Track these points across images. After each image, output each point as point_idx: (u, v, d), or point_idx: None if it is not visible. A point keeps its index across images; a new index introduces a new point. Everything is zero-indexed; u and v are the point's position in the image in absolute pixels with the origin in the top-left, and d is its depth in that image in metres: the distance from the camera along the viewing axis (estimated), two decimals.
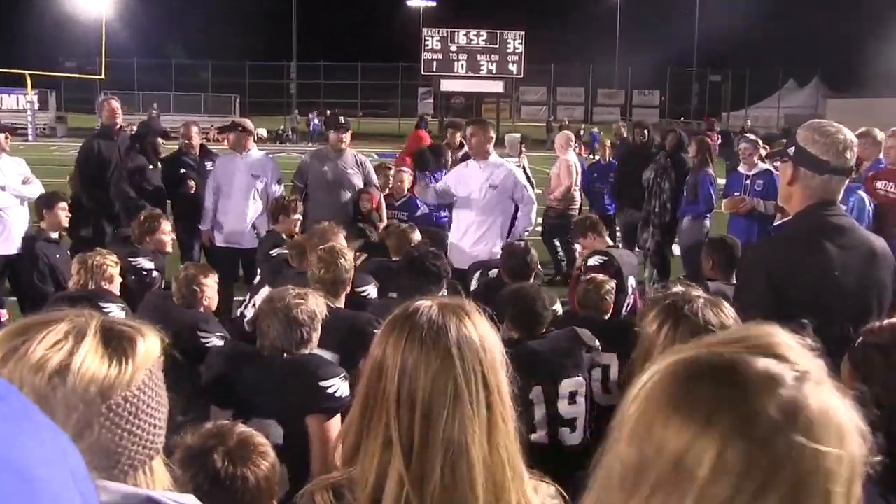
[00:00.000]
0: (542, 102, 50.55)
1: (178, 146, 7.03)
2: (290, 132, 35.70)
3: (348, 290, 3.53)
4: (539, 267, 4.37)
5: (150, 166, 6.57)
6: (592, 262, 4.69)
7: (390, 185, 6.77)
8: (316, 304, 2.68)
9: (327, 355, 3.03)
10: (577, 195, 8.60)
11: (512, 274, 4.26)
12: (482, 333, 1.29)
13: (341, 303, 3.48)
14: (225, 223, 6.23)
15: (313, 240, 4.15)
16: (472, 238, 5.41)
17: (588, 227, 5.01)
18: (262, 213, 6.16)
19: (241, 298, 4.66)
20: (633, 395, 0.79)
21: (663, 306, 1.77)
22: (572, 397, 2.96)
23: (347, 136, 6.27)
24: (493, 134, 5.52)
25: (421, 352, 1.25)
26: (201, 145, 7.03)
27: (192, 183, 6.58)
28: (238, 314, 4.26)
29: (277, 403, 2.49)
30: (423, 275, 3.38)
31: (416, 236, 4.75)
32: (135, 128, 8.20)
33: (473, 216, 5.40)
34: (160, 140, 6.66)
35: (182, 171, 6.73)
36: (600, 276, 3.94)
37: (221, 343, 3.32)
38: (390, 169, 7.05)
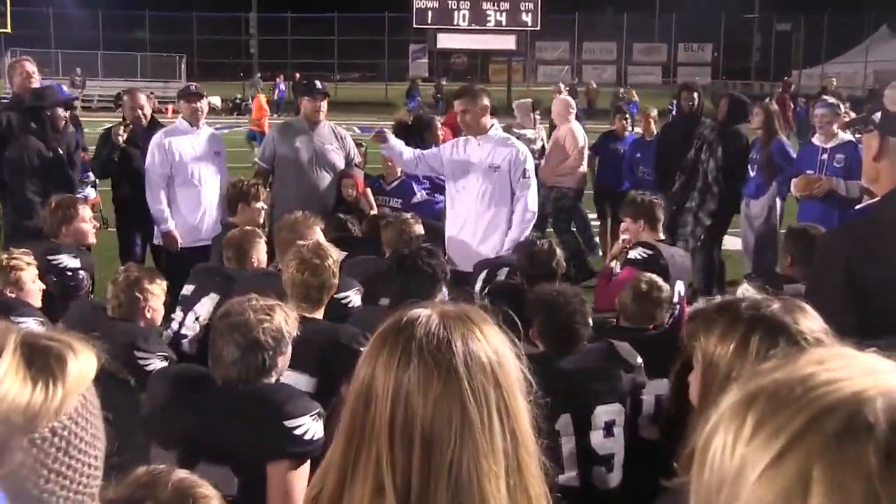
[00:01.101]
0: (564, 61, 50.67)
1: (123, 120, 6.91)
2: (250, 101, 35.74)
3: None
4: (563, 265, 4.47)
5: (49, 151, 6.16)
6: (634, 255, 4.76)
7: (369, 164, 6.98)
8: (285, 321, 2.70)
9: (301, 381, 3.09)
10: (584, 170, 8.83)
11: (534, 283, 4.28)
12: (495, 347, 1.30)
13: (320, 313, 3.51)
14: (186, 218, 6.28)
15: (281, 234, 4.19)
16: (471, 232, 5.50)
17: (643, 209, 5.02)
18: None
19: None
20: (723, 444, 0.77)
21: (732, 315, 1.72)
22: (608, 429, 2.98)
23: (325, 105, 6.33)
24: (486, 102, 5.58)
25: (419, 372, 1.25)
26: (151, 117, 6.98)
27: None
28: (169, 332, 4.27)
29: (232, 445, 2.49)
30: (414, 276, 3.45)
31: (419, 229, 4.85)
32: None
33: (473, 206, 5.49)
34: (62, 112, 6.20)
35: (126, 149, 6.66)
36: (653, 276, 3.98)
37: (165, 365, 3.34)
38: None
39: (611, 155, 9.22)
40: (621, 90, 32.63)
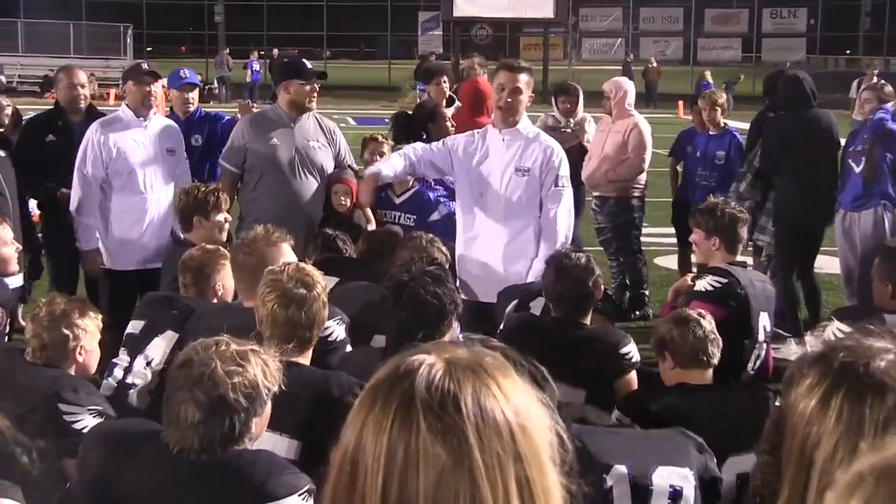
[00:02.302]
0: (616, 33, 50.75)
1: (55, 105, 6.99)
2: (215, 85, 36.11)
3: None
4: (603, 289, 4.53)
5: None
6: (703, 285, 4.78)
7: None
8: (263, 373, 2.68)
9: (281, 444, 3.09)
10: (645, 176, 8.86)
11: (563, 306, 4.32)
12: (517, 406, 1.30)
13: (308, 357, 3.53)
14: (127, 233, 6.28)
15: (237, 258, 4.17)
16: (492, 252, 5.53)
17: (722, 225, 5.02)
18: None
19: None
20: None
21: (824, 365, 1.73)
22: (675, 500, 2.97)
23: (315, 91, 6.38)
24: (524, 80, 5.51)
25: (418, 438, 1.26)
26: (89, 104, 7.03)
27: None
28: (111, 381, 4.26)
29: None
30: (417, 309, 3.45)
31: (441, 256, 4.89)
32: None
33: (494, 218, 5.53)
34: None
35: (51, 140, 6.75)
36: (703, 315, 4.03)
37: (98, 421, 3.32)
38: (383, 143, 7.16)
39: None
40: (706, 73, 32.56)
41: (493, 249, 5.51)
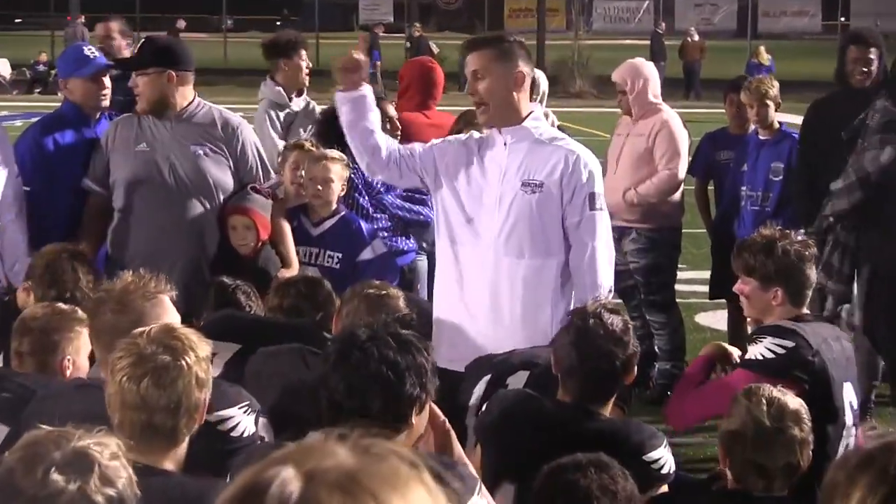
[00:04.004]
0: None
1: None
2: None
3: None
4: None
5: None
6: (758, 352, 4.81)
7: (300, 178, 6.93)
8: (114, 479, 2.73)
9: None
10: (680, 195, 8.94)
11: (577, 385, 4.34)
12: None
13: (174, 459, 3.52)
14: None
15: (103, 316, 4.17)
16: (488, 305, 5.52)
17: (782, 267, 5.02)
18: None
19: None
20: None
21: (881, 467, 1.80)
22: None
23: (187, 84, 6.50)
24: (524, 64, 5.61)
25: None
26: None
27: None
28: None
29: None
30: (362, 384, 3.48)
31: (399, 304, 5.00)
32: None
33: (491, 255, 5.52)
34: None
35: None
36: (779, 395, 4.07)
37: None
38: (311, 151, 7.10)
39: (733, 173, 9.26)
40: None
41: (486, 303, 5.52)
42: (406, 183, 5.99)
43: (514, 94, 5.51)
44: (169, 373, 3.44)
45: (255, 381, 4.37)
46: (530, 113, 5.58)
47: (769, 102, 8.84)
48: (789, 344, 4.74)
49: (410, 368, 3.51)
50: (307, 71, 8.57)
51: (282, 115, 8.18)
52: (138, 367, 3.44)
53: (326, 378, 3.52)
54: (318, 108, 8.25)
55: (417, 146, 5.81)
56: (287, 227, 6.55)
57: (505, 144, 5.52)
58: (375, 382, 3.45)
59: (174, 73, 6.41)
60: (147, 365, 3.44)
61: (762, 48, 33.39)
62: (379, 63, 33.39)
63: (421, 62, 9.19)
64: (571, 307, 5.26)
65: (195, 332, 3.66)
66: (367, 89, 5.65)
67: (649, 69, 9.05)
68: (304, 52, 8.60)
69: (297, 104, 8.25)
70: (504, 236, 5.46)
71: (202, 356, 3.56)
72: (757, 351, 4.80)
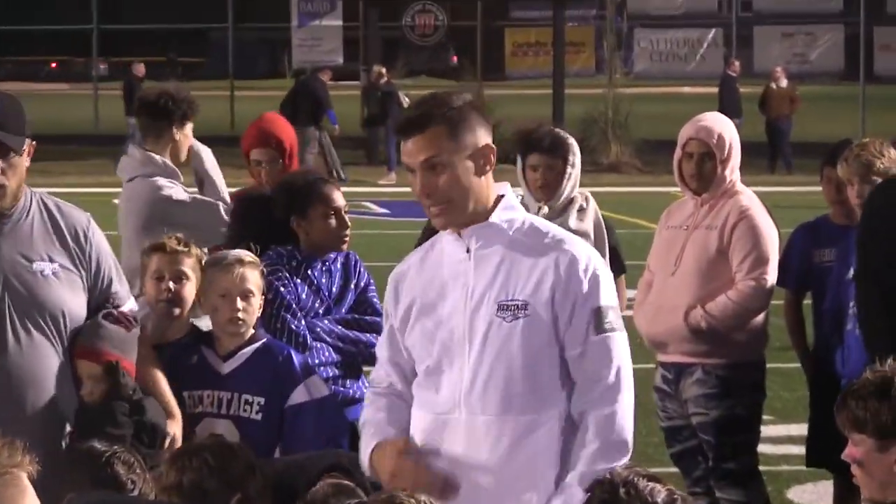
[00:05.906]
0: (708, 15, 47.94)
1: None
2: None
3: None
4: None
5: None
6: None
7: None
8: None
9: None
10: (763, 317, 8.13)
11: None
12: None
13: None
14: None
15: None
16: (464, 468, 5.14)
17: None
18: None
19: None
20: None
21: None
22: None
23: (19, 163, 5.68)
24: (480, 127, 5.04)
25: None
26: None
27: None
28: None
29: None
30: None
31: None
32: None
33: (458, 408, 5.15)
34: None
35: None
36: None
37: None
38: (186, 255, 6.66)
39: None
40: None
41: (466, 467, 5.09)
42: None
43: (483, 178, 5.03)
44: None
45: None
46: (499, 199, 5.04)
47: (876, 179, 7.86)
48: None
49: None
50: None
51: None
52: None
53: None
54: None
55: (395, 338, 5.35)
56: (158, 372, 6.17)
57: (468, 251, 5.04)
58: None
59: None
60: None
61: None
62: (337, 127, 34.01)
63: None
64: (569, 477, 4.96)
65: None
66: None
67: (731, 131, 8.09)
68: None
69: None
70: (479, 386, 5.03)
71: None
72: None
